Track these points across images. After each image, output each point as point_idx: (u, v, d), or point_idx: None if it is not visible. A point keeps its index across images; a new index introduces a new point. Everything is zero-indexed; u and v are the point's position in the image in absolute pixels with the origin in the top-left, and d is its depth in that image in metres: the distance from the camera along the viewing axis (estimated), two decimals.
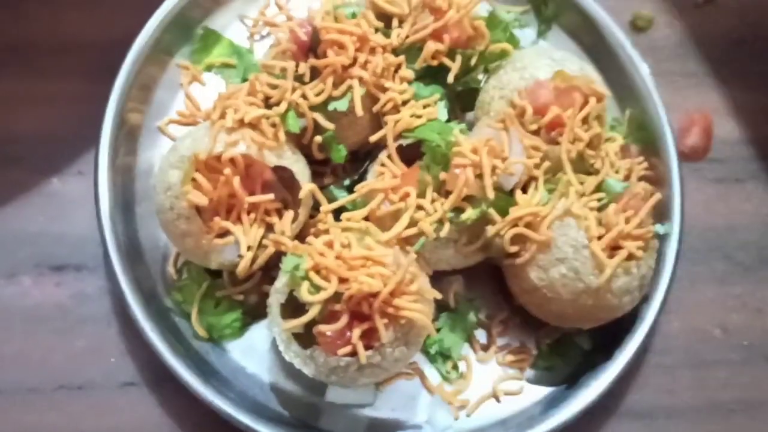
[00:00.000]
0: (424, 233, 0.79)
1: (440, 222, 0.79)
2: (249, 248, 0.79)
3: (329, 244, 0.76)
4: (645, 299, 0.86)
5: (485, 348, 0.89)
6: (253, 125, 0.80)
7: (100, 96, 0.88)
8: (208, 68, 0.96)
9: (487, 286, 0.90)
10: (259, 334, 0.87)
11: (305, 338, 0.77)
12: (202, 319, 0.85)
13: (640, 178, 0.92)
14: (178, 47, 0.96)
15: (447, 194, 0.81)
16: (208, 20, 0.97)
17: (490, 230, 0.80)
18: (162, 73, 0.95)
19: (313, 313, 0.74)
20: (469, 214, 0.79)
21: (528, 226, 0.81)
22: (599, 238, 0.79)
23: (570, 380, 0.88)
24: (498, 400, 0.87)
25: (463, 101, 0.92)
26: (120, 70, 0.89)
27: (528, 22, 1.01)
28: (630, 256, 0.80)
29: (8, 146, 0.92)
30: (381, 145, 0.86)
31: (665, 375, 0.92)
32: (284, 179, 0.83)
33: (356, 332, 0.74)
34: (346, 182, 0.90)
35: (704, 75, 1.06)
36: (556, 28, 1.02)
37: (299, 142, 0.84)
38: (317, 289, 0.74)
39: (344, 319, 0.74)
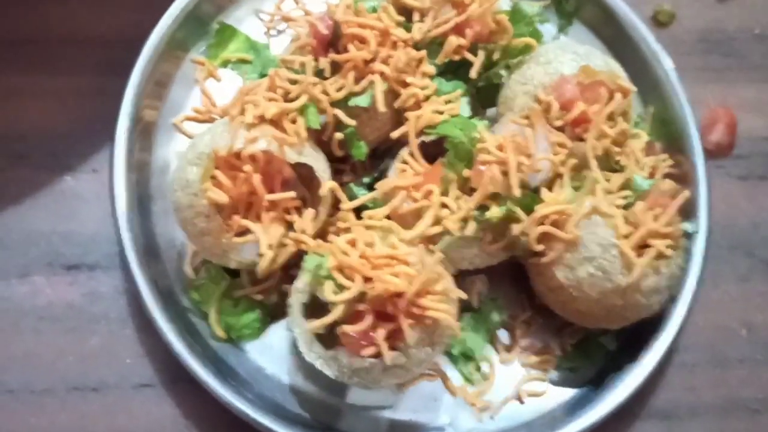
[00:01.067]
0: (448, 231, 0.77)
1: (464, 220, 0.78)
2: (269, 247, 0.77)
3: (352, 243, 0.74)
4: (672, 298, 0.84)
5: (508, 349, 0.87)
6: (273, 121, 0.78)
7: (113, 92, 0.87)
8: (224, 64, 0.94)
9: (510, 286, 0.89)
10: (278, 334, 0.85)
11: (327, 339, 0.75)
12: (221, 319, 0.83)
13: (665, 176, 0.90)
14: (193, 42, 0.94)
15: (471, 192, 0.79)
16: (223, 15, 0.95)
17: (516, 228, 0.78)
18: (177, 69, 0.93)
19: (336, 313, 0.72)
20: (495, 212, 0.77)
21: (554, 224, 0.79)
22: (627, 236, 0.78)
23: (595, 381, 0.86)
24: (522, 402, 0.85)
25: (483, 97, 0.90)
26: (135, 66, 0.87)
27: (548, 17, 0.99)
28: (659, 255, 0.78)
29: (20, 144, 0.90)
30: (401, 141, 0.84)
31: (688, 374, 0.91)
32: (302, 176, 0.82)
33: (381, 333, 0.72)
34: (366, 179, 0.88)
35: (727, 70, 1.04)
36: (577, 22, 1.01)
37: (319, 138, 0.83)
38: (341, 288, 0.72)
39: (369, 320, 0.72)
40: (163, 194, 0.88)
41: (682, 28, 1.06)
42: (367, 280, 0.72)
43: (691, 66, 1.01)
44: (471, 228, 0.77)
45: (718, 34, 1.06)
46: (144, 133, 0.89)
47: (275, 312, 0.85)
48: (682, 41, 1.04)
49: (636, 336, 0.86)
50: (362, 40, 0.79)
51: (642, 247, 0.78)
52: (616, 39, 0.98)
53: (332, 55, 0.80)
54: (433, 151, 0.82)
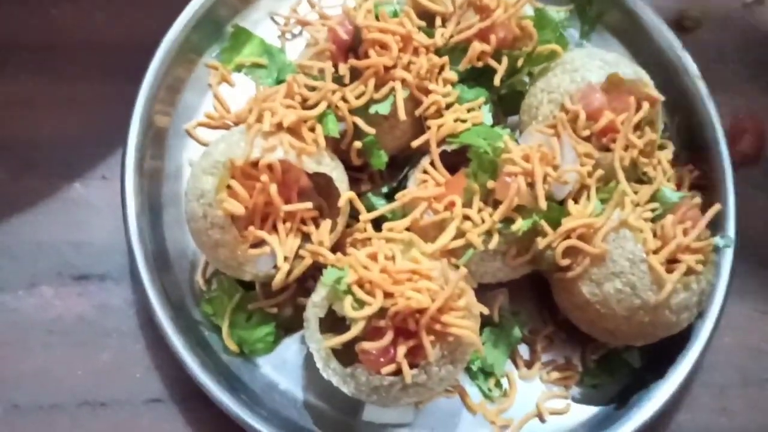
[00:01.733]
0: (472, 245, 0.75)
1: (488, 233, 0.75)
2: (285, 259, 0.75)
3: (373, 257, 0.72)
4: (700, 314, 0.81)
5: (529, 365, 0.85)
6: (291, 129, 0.76)
7: (124, 98, 0.84)
8: (238, 68, 0.91)
9: (531, 299, 0.86)
10: (292, 348, 0.83)
11: (344, 355, 0.73)
12: (233, 332, 0.81)
13: (691, 187, 0.88)
14: (206, 46, 0.92)
15: (494, 203, 0.76)
16: (237, 18, 0.93)
17: (541, 242, 0.76)
18: (190, 73, 0.91)
19: (356, 329, 0.70)
20: (520, 225, 0.75)
21: (581, 237, 0.76)
22: (657, 251, 0.75)
23: (618, 399, 0.84)
24: (542, 420, 0.83)
25: (506, 104, 0.88)
26: (147, 71, 0.85)
27: (571, 23, 0.97)
28: (689, 271, 0.75)
29: (30, 150, 0.88)
30: (422, 150, 0.81)
31: (716, 394, 0.88)
32: (319, 186, 0.79)
33: (401, 350, 0.70)
34: (385, 189, 0.86)
35: (753, 77, 1.02)
36: (600, 28, 0.98)
37: (336, 147, 0.80)
38: (361, 304, 0.70)
39: (389, 336, 0.69)
40: (175, 202, 0.85)
41: (707, 34, 1.03)
42: (388, 295, 0.70)
43: (716, 73, 0.98)
44: (495, 241, 0.75)
45: (745, 40, 1.03)
46: (156, 139, 0.86)
47: (289, 326, 0.83)
48: (707, 48, 1.01)
49: (661, 353, 0.83)
50: (383, 46, 0.77)
51: (671, 262, 0.76)
52: (639, 45, 0.96)
53: (353, 61, 0.77)
54: (454, 160, 0.80)
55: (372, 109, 0.77)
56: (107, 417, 0.81)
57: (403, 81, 0.78)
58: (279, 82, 0.89)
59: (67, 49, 0.92)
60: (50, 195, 0.87)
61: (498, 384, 0.84)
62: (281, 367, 0.82)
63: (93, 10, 0.94)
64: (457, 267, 0.75)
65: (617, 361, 0.85)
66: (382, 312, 0.69)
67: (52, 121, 0.89)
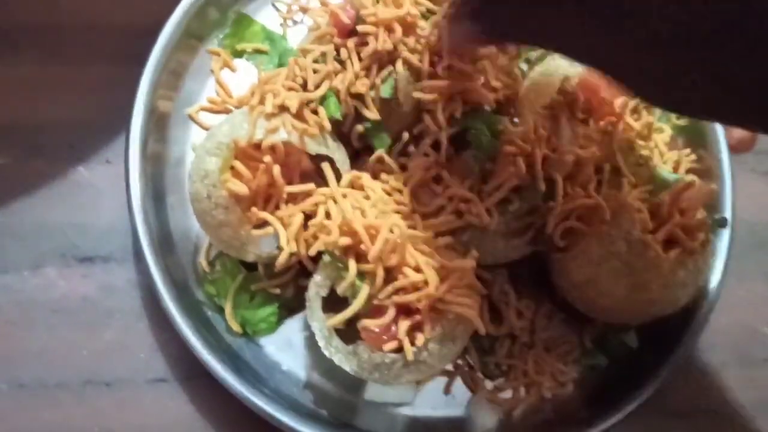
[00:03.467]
0: (471, 225, 0.76)
1: (488, 213, 0.76)
2: (288, 240, 0.76)
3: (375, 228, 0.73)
4: (697, 295, 0.82)
5: (529, 345, 0.86)
6: (293, 111, 0.77)
7: (127, 82, 0.85)
8: (240, 54, 0.92)
9: (531, 280, 0.87)
10: (294, 328, 0.84)
11: (346, 333, 0.74)
12: (236, 313, 0.82)
13: (688, 171, 0.89)
14: (208, 32, 0.92)
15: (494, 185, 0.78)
16: (239, 4, 0.94)
17: (541, 222, 0.77)
18: (192, 59, 0.91)
19: (357, 306, 0.71)
20: (519, 204, 0.76)
21: (579, 218, 0.77)
22: (654, 231, 0.76)
23: (617, 379, 0.85)
24: (543, 398, 0.84)
25: None
26: (150, 56, 0.86)
27: None
28: (685, 251, 0.77)
29: (33, 134, 0.89)
30: (421, 134, 0.83)
31: (713, 373, 0.90)
32: (320, 168, 0.80)
33: (403, 327, 0.71)
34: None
35: None
36: None
37: (338, 129, 0.81)
38: (362, 280, 0.71)
39: (391, 314, 0.70)
40: (178, 186, 0.86)
41: None
42: (388, 271, 0.71)
43: None
44: (494, 222, 0.76)
45: None
46: (159, 124, 0.87)
47: (292, 306, 0.83)
48: None
49: (658, 333, 0.85)
50: (387, 29, 0.78)
51: (668, 242, 0.77)
52: None
53: (353, 45, 0.78)
54: (455, 143, 0.81)
55: (372, 93, 0.78)
56: (111, 396, 0.81)
57: (406, 62, 0.78)
58: (280, 67, 0.90)
59: (71, 33, 0.92)
60: (55, 178, 0.87)
61: (498, 363, 0.85)
62: (284, 347, 0.83)
63: None
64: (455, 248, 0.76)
65: (615, 341, 0.86)
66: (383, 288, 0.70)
67: (57, 105, 0.90)
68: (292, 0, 0.95)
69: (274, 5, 0.95)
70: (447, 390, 0.83)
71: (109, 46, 0.92)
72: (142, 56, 0.86)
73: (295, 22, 0.95)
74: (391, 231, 0.71)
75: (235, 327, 0.82)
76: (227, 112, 0.90)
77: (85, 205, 0.87)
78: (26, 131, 0.89)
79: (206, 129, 0.88)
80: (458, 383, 0.84)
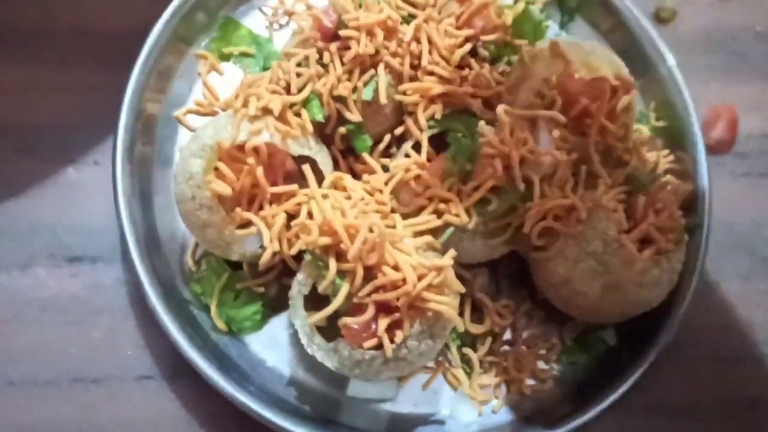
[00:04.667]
0: (450, 224, 0.77)
1: (467, 213, 0.78)
2: (271, 239, 0.77)
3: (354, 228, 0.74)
4: (673, 294, 0.84)
5: (510, 343, 0.87)
6: (276, 114, 0.78)
7: (116, 85, 0.87)
8: (227, 58, 0.94)
9: (510, 278, 0.89)
10: (279, 326, 0.85)
11: (328, 331, 0.75)
12: (221, 311, 0.84)
13: (666, 172, 0.90)
14: (196, 36, 0.94)
15: (473, 186, 0.79)
16: (226, 9, 0.95)
17: (518, 222, 0.78)
18: (180, 62, 0.93)
19: (337, 304, 0.72)
20: (497, 205, 0.77)
21: (556, 218, 0.79)
22: (629, 231, 0.78)
23: (595, 375, 0.87)
24: (523, 395, 0.85)
25: None
26: (137, 59, 0.87)
27: (550, 14, 0.99)
28: (660, 250, 0.78)
29: (23, 135, 0.90)
30: (403, 136, 0.84)
31: (688, 370, 0.91)
32: (302, 170, 0.82)
33: (382, 324, 0.72)
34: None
35: (728, 68, 1.04)
36: (578, 19, 1.01)
37: (321, 131, 0.83)
38: (342, 278, 0.72)
39: (370, 311, 0.72)
40: (165, 187, 0.88)
41: (683, 25, 1.06)
42: (367, 269, 0.72)
43: (692, 63, 1.01)
44: (473, 221, 0.78)
45: (720, 32, 1.06)
46: (146, 126, 0.89)
47: (276, 304, 0.85)
48: (683, 39, 1.04)
49: (636, 331, 0.86)
50: (369, 33, 0.79)
51: (643, 241, 0.79)
52: (617, 35, 0.99)
53: (335, 48, 0.80)
54: (435, 145, 0.82)
55: (354, 96, 0.80)
56: (99, 393, 0.83)
57: (387, 66, 0.80)
58: (266, 70, 0.91)
59: (61, 36, 0.94)
60: (45, 179, 0.89)
61: (479, 360, 0.86)
62: (269, 345, 0.85)
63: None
64: (435, 247, 0.78)
65: (594, 339, 0.88)
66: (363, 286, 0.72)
67: (47, 107, 0.92)
68: (278, 4, 0.96)
69: (260, 9, 0.97)
70: (426, 386, 0.85)
71: (99, 49, 0.94)
72: (131, 59, 0.88)
73: (281, 26, 0.96)
74: (371, 230, 0.73)
75: (221, 325, 0.83)
76: (214, 114, 0.91)
77: (74, 205, 0.89)
78: (16, 132, 0.90)
79: (193, 131, 0.90)
80: (439, 380, 0.85)
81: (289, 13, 0.95)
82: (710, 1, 1.07)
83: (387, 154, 0.87)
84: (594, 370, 0.87)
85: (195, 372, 0.79)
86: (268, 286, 0.84)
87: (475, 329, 0.84)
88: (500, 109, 0.79)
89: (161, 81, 0.91)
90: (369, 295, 0.72)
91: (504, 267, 0.88)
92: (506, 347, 0.87)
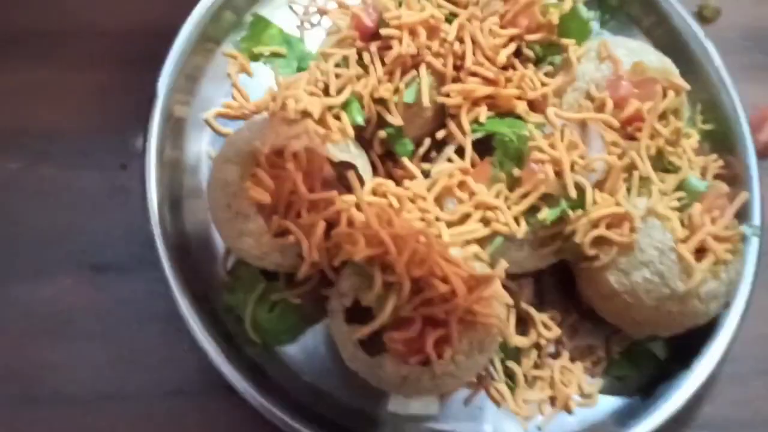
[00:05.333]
0: (499, 234, 0.74)
1: (515, 222, 0.74)
2: (311, 249, 0.74)
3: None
4: (726, 303, 0.80)
5: (554, 356, 0.84)
6: (315, 117, 0.75)
7: (140, 87, 0.83)
8: (257, 58, 0.90)
9: (556, 289, 0.85)
10: (315, 338, 0.82)
11: (370, 345, 0.72)
12: (256, 323, 0.80)
13: (715, 177, 0.87)
14: (224, 36, 0.90)
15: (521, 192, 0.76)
16: (256, 6, 0.92)
17: (569, 231, 0.75)
18: (208, 63, 0.90)
19: (383, 318, 0.69)
20: (548, 214, 0.74)
21: (609, 226, 0.75)
22: (685, 240, 0.74)
23: (645, 391, 0.83)
24: (569, 412, 0.82)
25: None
26: (166, 60, 0.84)
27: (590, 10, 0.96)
28: (717, 260, 0.75)
29: (43, 139, 0.87)
30: (442, 140, 0.81)
31: (739, 385, 0.87)
32: (341, 176, 0.78)
33: (430, 339, 0.69)
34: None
35: None
36: (619, 16, 0.97)
37: (360, 135, 0.79)
38: (388, 291, 0.69)
39: (417, 326, 0.69)
40: (194, 193, 0.84)
41: (727, 24, 1.02)
42: (414, 282, 0.69)
43: (737, 63, 0.96)
44: (522, 231, 0.74)
45: (761, 31, 1.03)
46: (175, 129, 0.85)
47: (312, 316, 0.82)
48: (727, 38, 1.00)
49: (687, 344, 0.83)
50: (412, 33, 0.76)
51: (699, 251, 0.75)
52: (660, 34, 0.95)
53: (376, 49, 0.76)
54: (479, 149, 0.79)
55: (395, 98, 0.77)
56: (127, 409, 0.79)
57: (430, 67, 0.77)
58: (298, 71, 0.88)
59: (80, 37, 0.91)
60: (68, 185, 0.86)
61: (524, 375, 0.83)
62: (305, 358, 0.81)
63: None
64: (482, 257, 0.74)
65: (642, 351, 0.84)
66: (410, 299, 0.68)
67: (66, 110, 0.88)
68: (309, 2, 0.93)
69: (291, 7, 0.93)
70: (469, 401, 0.81)
71: (119, 51, 0.91)
72: (154, 60, 0.84)
73: (312, 25, 0.93)
74: (418, 241, 0.69)
75: (255, 338, 0.80)
76: (244, 117, 0.88)
77: (98, 212, 0.85)
78: (36, 137, 0.87)
79: (223, 134, 0.87)
80: (482, 395, 0.82)
81: (323, 12, 0.92)
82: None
83: (427, 158, 0.83)
84: (644, 385, 0.83)
85: (228, 387, 0.76)
86: (304, 297, 0.80)
87: (521, 342, 0.80)
88: (551, 111, 0.75)
89: (189, 83, 0.87)
90: (416, 308, 0.68)
91: (548, 277, 0.85)
92: (551, 361, 0.84)
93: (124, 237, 0.84)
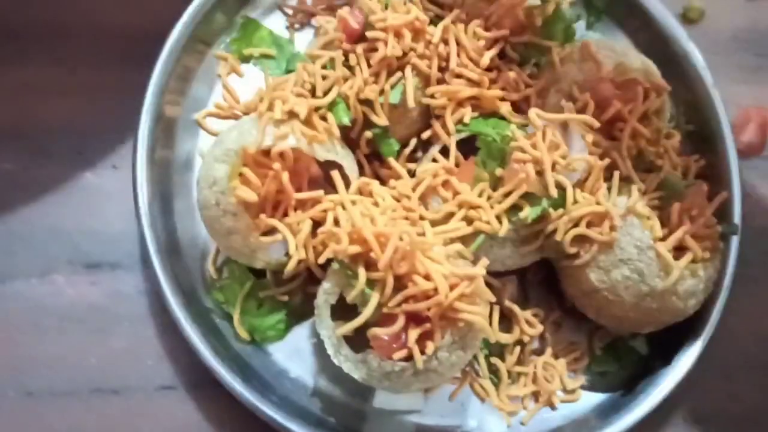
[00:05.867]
0: (482, 232, 0.75)
1: (497, 221, 0.76)
2: (297, 247, 0.75)
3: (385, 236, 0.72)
4: (706, 300, 0.82)
5: (538, 352, 0.85)
6: (302, 118, 0.76)
7: (131, 86, 0.85)
8: (247, 59, 0.92)
9: (539, 286, 0.87)
10: (302, 335, 0.83)
11: (355, 341, 0.74)
12: (244, 320, 0.82)
13: (696, 176, 0.88)
14: (215, 37, 0.92)
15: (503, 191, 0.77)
16: (246, 9, 0.93)
17: (551, 230, 0.76)
18: (199, 64, 0.91)
19: (367, 314, 0.70)
20: (529, 212, 0.75)
21: (589, 225, 0.77)
22: (664, 238, 0.76)
23: (626, 386, 0.85)
24: (553, 407, 0.84)
25: None
26: (157, 61, 0.85)
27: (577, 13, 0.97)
28: (696, 257, 0.76)
29: (40, 138, 0.88)
30: (428, 140, 0.83)
31: (722, 379, 0.89)
32: (327, 175, 0.80)
33: (412, 335, 0.70)
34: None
35: (757, 69, 1.02)
36: (605, 18, 0.98)
37: (346, 135, 0.81)
38: (371, 286, 0.70)
39: (401, 322, 0.70)
40: (184, 192, 0.86)
41: (711, 26, 1.04)
42: (398, 279, 0.70)
43: (721, 65, 0.98)
44: (504, 229, 0.76)
45: (749, 32, 1.04)
46: (166, 129, 0.86)
47: (300, 313, 0.83)
48: (711, 39, 1.02)
49: (668, 340, 0.84)
50: (397, 35, 0.77)
51: (678, 249, 0.77)
52: (645, 36, 0.97)
53: (362, 51, 0.78)
54: (463, 149, 0.80)
55: (381, 99, 0.78)
56: (120, 404, 0.81)
57: (415, 68, 0.78)
58: (288, 72, 0.90)
59: (78, 38, 0.92)
60: (62, 183, 0.87)
61: (507, 371, 0.84)
62: (292, 355, 0.83)
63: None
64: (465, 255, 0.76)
65: (624, 348, 0.86)
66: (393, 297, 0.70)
67: (63, 110, 0.89)
68: (299, 4, 0.94)
69: (281, 9, 0.95)
70: (453, 397, 0.83)
71: (116, 51, 0.92)
72: (149, 61, 0.86)
73: (301, 26, 0.94)
74: (401, 239, 0.71)
75: (243, 334, 0.81)
76: (234, 117, 0.89)
77: (92, 211, 0.87)
78: (33, 136, 0.88)
79: (213, 134, 0.88)
80: (466, 390, 0.83)
81: (311, 14, 0.93)
82: (738, 1, 1.05)
83: (412, 158, 0.85)
84: (626, 381, 0.85)
85: (217, 382, 0.78)
86: (292, 294, 0.82)
87: (504, 338, 0.82)
88: (533, 112, 0.77)
89: (180, 83, 0.89)
90: (399, 305, 0.70)
91: (531, 274, 0.86)
92: (534, 357, 0.85)
93: (116, 235, 0.86)
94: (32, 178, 0.87)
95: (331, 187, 0.80)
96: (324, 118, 0.78)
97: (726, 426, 0.88)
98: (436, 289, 0.70)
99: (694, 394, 0.87)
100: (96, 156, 0.89)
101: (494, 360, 0.83)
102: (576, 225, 0.77)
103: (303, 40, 0.93)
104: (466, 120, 0.80)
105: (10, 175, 0.87)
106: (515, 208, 0.76)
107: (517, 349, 0.84)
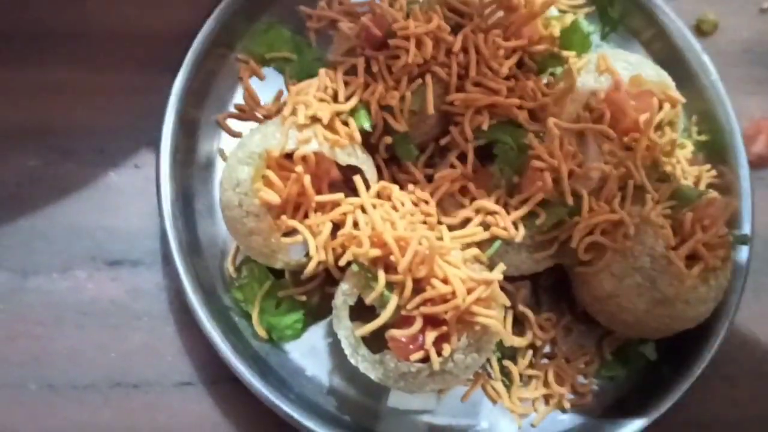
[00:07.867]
0: (498, 238, 0.77)
1: (514, 227, 0.77)
2: (317, 248, 0.77)
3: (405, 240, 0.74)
4: (715, 309, 0.83)
5: (549, 356, 0.87)
6: (325, 122, 0.78)
7: (156, 88, 0.87)
8: (268, 62, 0.93)
9: (551, 290, 0.88)
10: (319, 335, 0.85)
11: (372, 342, 0.75)
12: (263, 319, 0.83)
13: (708, 186, 0.90)
14: (237, 41, 0.93)
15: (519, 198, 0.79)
16: (268, 13, 0.95)
17: (566, 236, 0.78)
18: (221, 66, 0.92)
19: (386, 316, 0.72)
20: (545, 219, 0.77)
21: (603, 233, 0.79)
22: (676, 247, 0.77)
23: (636, 391, 0.86)
24: (564, 410, 0.85)
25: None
26: (183, 63, 0.87)
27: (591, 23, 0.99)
28: (707, 266, 0.78)
29: (64, 138, 0.90)
30: (446, 146, 0.84)
31: (730, 386, 0.91)
32: (347, 178, 0.81)
33: (429, 338, 0.72)
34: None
35: None
36: (619, 29, 1.00)
37: (366, 140, 0.82)
38: (390, 289, 0.72)
39: (418, 324, 0.72)
40: (205, 191, 0.88)
41: (724, 38, 1.05)
42: (416, 282, 0.72)
43: (733, 76, 1.00)
44: (521, 235, 0.77)
45: (762, 44, 1.05)
46: (188, 129, 0.88)
47: (317, 313, 0.85)
48: (724, 51, 1.04)
49: (677, 346, 0.86)
50: (418, 42, 0.79)
51: (690, 258, 0.78)
52: (659, 47, 0.98)
53: (383, 58, 0.79)
54: (481, 156, 0.82)
55: (401, 106, 0.80)
56: (139, 398, 0.83)
57: (435, 76, 0.80)
58: (308, 76, 0.91)
59: (100, 40, 0.94)
60: (84, 182, 0.89)
61: (519, 374, 0.86)
62: (309, 353, 0.84)
63: (127, 2, 0.95)
64: (482, 260, 0.77)
65: (633, 353, 0.87)
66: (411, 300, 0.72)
67: (86, 110, 0.91)
68: (320, 9, 0.96)
69: (302, 14, 0.96)
70: (466, 398, 0.84)
71: (137, 53, 0.94)
72: (170, 63, 0.87)
73: (322, 31, 0.95)
74: (420, 243, 0.72)
75: (261, 332, 0.83)
76: (255, 119, 0.91)
77: (114, 208, 0.88)
78: (57, 135, 0.90)
79: (234, 135, 0.90)
80: (479, 392, 0.85)
81: (333, 19, 0.94)
82: (752, 13, 1.06)
83: (430, 164, 0.87)
84: (633, 385, 0.87)
85: (235, 379, 0.79)
86: (310, 294, 0.84)
87: (518, 342, 0.83)
88: (550, 121, 0.78)
89: (203, 86, 0.90)
90: (417, 307, 0.72)
91: (544, 280, 0.88)
92: (545, 360, 0.87)
93: (137, 233, 0.88)
94: (55, 176, 0.88)
95: (349, 191, 0.81)
96: (346, 123, 0.79)
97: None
98: (453, 293, 0.71)
99: (702, 401, 0.88)
100: (118, 155, 0.90)
101: (506, 363, 0.85)
102: (590, 233, 0.78)
103: (323, 45, 0.94)
104: (484, 127, 0.81)
105: (33, 173, 0.88)
106: (531, 215, 0.78)
107: (529, 352, 0.86)
